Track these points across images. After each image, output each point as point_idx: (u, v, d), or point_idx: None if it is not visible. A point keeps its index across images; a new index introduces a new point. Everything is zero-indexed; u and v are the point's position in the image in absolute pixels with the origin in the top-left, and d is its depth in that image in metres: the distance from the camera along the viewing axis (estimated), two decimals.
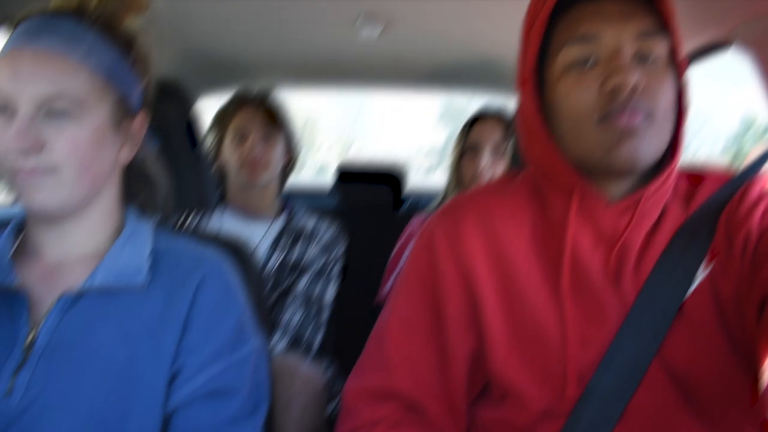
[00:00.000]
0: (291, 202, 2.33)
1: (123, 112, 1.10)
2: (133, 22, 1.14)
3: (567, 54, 1.05)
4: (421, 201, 3.11)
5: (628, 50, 1.03)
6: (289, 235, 2.20)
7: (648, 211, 1.09)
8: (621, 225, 1.08)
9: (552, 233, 1.12)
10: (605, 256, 1.08)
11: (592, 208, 1.09)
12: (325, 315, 2.16)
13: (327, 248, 2.23)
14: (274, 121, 2.22)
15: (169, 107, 1.42)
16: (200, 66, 2.51)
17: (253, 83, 2.61)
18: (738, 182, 1.07)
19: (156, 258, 1.13)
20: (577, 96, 1.04)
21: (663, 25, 1.05)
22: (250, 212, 2.22)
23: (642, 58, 1.03)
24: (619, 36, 1.03)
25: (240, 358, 1.11)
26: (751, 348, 0.96)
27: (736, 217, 1.05)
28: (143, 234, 1.16)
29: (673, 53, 1.06)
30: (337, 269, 2.24)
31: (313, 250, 2.20)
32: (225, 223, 2.19)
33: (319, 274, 2.17)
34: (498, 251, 1.12)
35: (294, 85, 2.90)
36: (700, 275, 1.04)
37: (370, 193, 2.99)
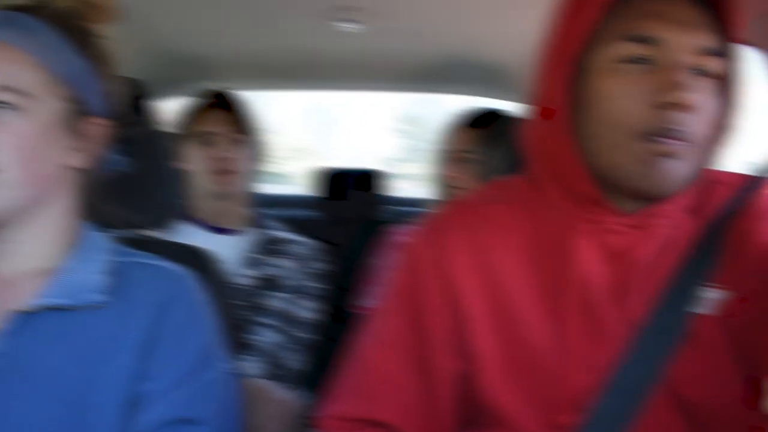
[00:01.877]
0: (261, 212, 2.31)
1: (76, 113, 1.09)
2: (100, 25, 1.13)
3: (620, 49, 1.00)
4: (400, 210, 3.10)
5: (689, 63, 0.99)
6: (262, 249, 2.18)
7: (660, 227, 1.08)
8: (630, 240, 1.07)
9: (551, 245, 1.10)
10: (610, 272, 1.07)
11: (601, 221, 1.07)
12: (306, 336, 2.14)
13: (303, 263, 2.21)
14: (243, 124, 2.19)
15: (129, 109, 1.40)
16: (161, 65, 2.49)
17: (219, 83, 2.59)
18: (750, 190, 1.07)
19: (114, 274, 1.11)
20: (622, 100, 0.99)
21: (726, 41, 1.01)
22: (217, 224, 2.20)
23: (698, 74, 0.99)
24: (684, 46, 0.98)
25: (206, 383, 1.10)
26: (764, 375, 0.96)
27: (745, 232, 1.05)
28: (100, 248, 1.14)
29: (729, 72, 1.02)
30: (316, 286, 2.23)
31: (288, 265, 2.18)
32: (190, 236, 2.15)
33: (297, 291, 2.15)
34: (488, 266, 1.10)
35: (264, 85, 2.89)
36: (711, 295, 1.04)
37: (350, 201, 2.98)
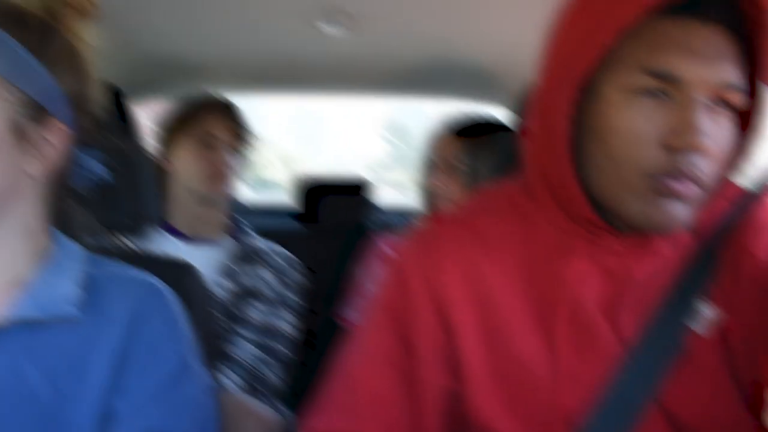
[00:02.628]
0: (239, 221, 2.30)
1: (30, 118, 1.04)
2: (76, 25, 1.11)
3: (635, 79, 0.96)
4: (387, 219, 3.11)
5: (708, 99, 0.95)
6: (240, 259, 2.17)
7: (660, 246, 1.07)
8: (626, 258, 1.06)
9: (545, 261, 1.09)
10: (604, 289, 1.06)
11: (597, 239, 1.06)
12: (286, 349, 2.13)
13: (281, 273, 2.20)
14: (243, 133, 2.22)
15: (105, 113, 1.40)
16: (140, 68, 2.48)
17: (202, 86, 2.59)
18: (747, 204, 1.07)
19: (87, 286, 1.10)
20: (632, 137, 0.96)
21: (753, 75, 0.98)
22: (193, 233, 2.19)
23: (717, 105, 0.96)
24: (704, 82, 0.94)
25: (183, 398, 1.09)
26: (762, 396, 0.96)
27: (741, 247, 1.05)
28: (73, 258, 1.12)
29: (752, 106, 1.00)
30: (295, 297, 2.22)
31: (266, 275, 2.17)
32: (164, 245, 2.15)
33: (276, 302, 2.14)
34: (479, 281, 1.09)
35: (248, 89, 2.89)
36: (706, 313, 1.03)
37: (334, 210, 2.97)
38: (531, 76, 1.10)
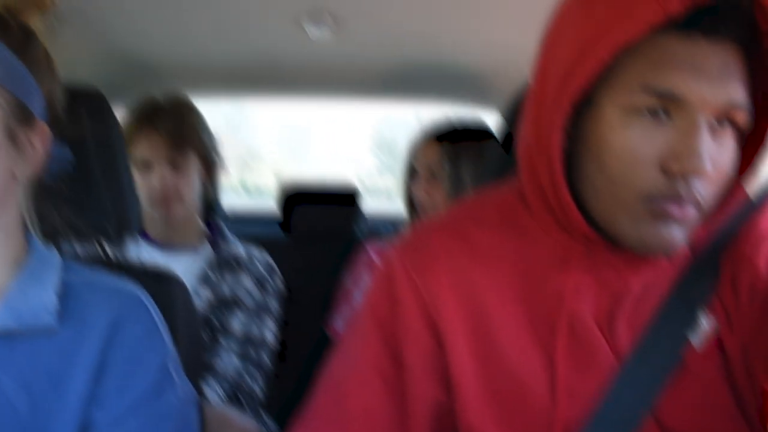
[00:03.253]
0: (217, 226, 2.29)
1: (20, 121, 1.05)
2: (35, 22, 1.10)
3: (634, 98, 0.94)
4: (375, 226, 3.11)
5: (711, 119, 0.93)
6: (219, 266, 2.15)
7: (657, 258, 1.07)
8: (623, 271, 1.06)
9: (540, 273, 1.08)
10: (600, 302, 1.06)
11: (594, 253, 1.06)
12: (267, 358, 2.12)
13: (262, 279, 2.19)
14: (183, 142, 2.09)
15: (83, 116, 1.39)
16: (122, 70, 2.48)
17: (182, 89, 2.59)
18: (746, 213, 1.06)
19: (65, 294, 1.09)
20: (629, 157, 0.94)
21: (761, 90, 0.97)
22: (169, 241, 2.17)
23: (720, 125, 0.95)
24: (708, 102, 0.92)
25: (163, 409, 1.08)
26: (761, 409, 0.96)
27: (741, 257, 1.04)
28: (50, 266, 1.11)
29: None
30: (276, 304, 2.21)
31: (247, 282, 2.15)
32: (141, 254, 2.13)
33: (257, 310, 2.13)
34: (471, 292, 1.08)
35: (230, 93, 2.88)
36: (704, 324, 1.03)
37: (320, 218, 2.97)
38: (522, 80, 1.10)
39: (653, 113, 0.94)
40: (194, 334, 1.36)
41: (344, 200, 2.96)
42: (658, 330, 1.03)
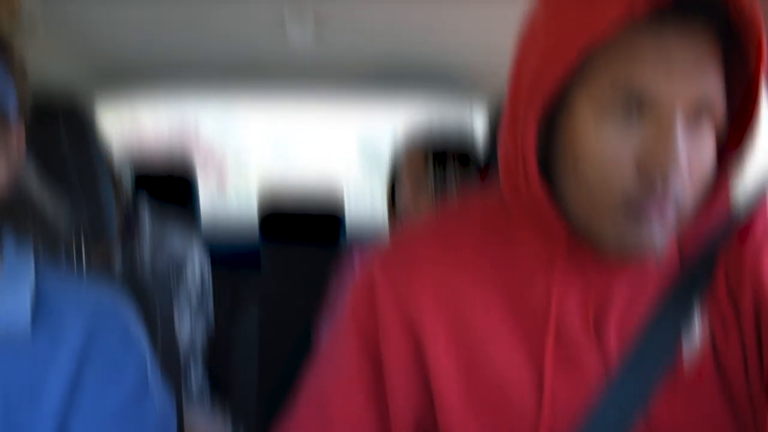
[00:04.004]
0: (194, 235, 2.26)
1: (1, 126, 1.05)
2: (6, 25, 1.10)
3: (605, 98, 0.93)
4: (361, 231, 3.10)
5: (687, 111, 0.92)
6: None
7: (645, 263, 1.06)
8: (610, 274, 1.05)
9: (524, 278, 1.07)
10: (587, 307, 1.05)
11: (578, 257, 1.04)
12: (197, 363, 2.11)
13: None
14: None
15: (60, 119, 1.39)
16: (101, 73, 2.47)
17: (161, 91, 2.59)
18: (742, 214, 1.05)
19: (39, 301, 1.08)
20: (603, 158, 0.93)
21: (744, 77, 0.95)
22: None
23: (695, 120, 0.93)
24: (684, 97, 0.91)
25: (141, 420, 1.08)
26: (760, 422, 0.96)
27: (738, 261, 1.03)
28: (24, 272, 1.11)
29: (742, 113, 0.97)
30: (183, 301, 2.16)
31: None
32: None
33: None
34: (453, 298, 1.08)
35: (208, 96, 2.88)
36: (697, 331, 1.02)
37: (302, 223, 2.97)
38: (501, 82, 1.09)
39: (626, 112, 0.92)
40: (171, 339, 1.35)
41: (325, 222, 2.95)
42: (647, 335, 1.02)
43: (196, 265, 2.20)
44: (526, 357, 1.04)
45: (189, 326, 2.09)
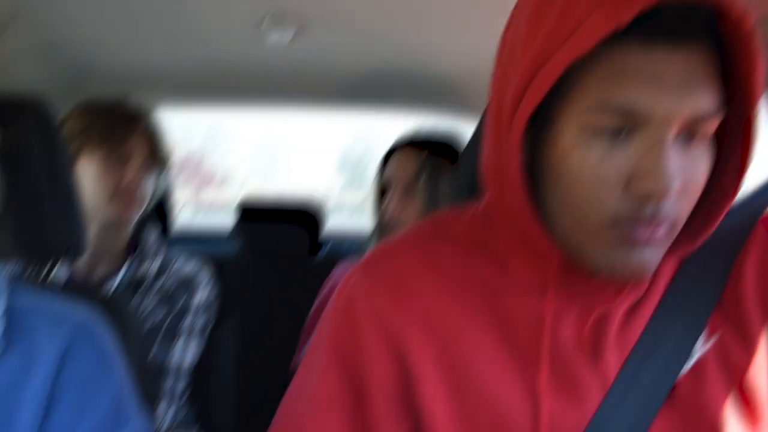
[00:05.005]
0: (165, 245, 2.26)
1: None
2: None
3: (593, 117, 0.90)
4: (343, 246, 3.11)
5: (679, 131, 0.90)
6: (125, 289, 2.11)
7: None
8: (604, 292, 1.04)
9: (515, 298, 1.06)
10: (582, 327, 1.04)
11: (570, 277, 1.03)
12: (182, 386, 2.10)
13: (171, 296, 2.15)
14: (158, 147, 2.13)
15: (27, 128, 1.38)
16: (71, 79, 2.46)
17: (133, 98, 2.58)
18: (747, 218, 1.05)
19: (12, 319, 1.08)
20: (589, 180, 0.91)
21: (738, 93, 0.93)
22: (87, 271, 2.12)
23: (687, 137, 0.91)
24: (674, 115, 0.88)
25: None
26: None
27: (749, 269, 1.03)
28: None
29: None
30: (188, 323, 2.16)
31: (150, 303, 2.12)
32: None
33: (163, 333, 2.09)
34: (440, 317, 1.05)
35: (184, 102, 2.87)
36: (701, 346, 1.02)
37: (281, 236, 2.96)
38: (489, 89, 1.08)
39: (614, 130, 0.90)
40: (144, 358, 1.35)
41: (303, 217, 2.96)
42: (646, 355, 1.02)
43: (205, 291, 2.20)
44: (519, 382, 1.03)
45: (182, 348, 2.08)
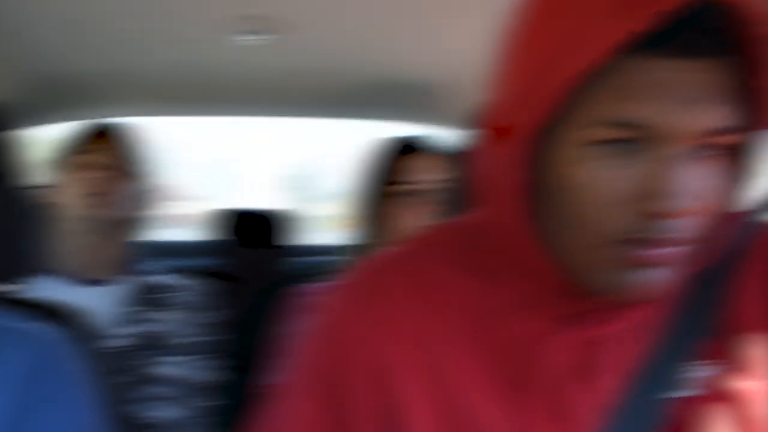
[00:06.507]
0: (140, 256, 2.27)
1: None
2: None
3: (598, 132, 0.87)
4: (312, 261, 3.10)
5: (689, 147, 0.87)
6: (140, 301, 2.14)
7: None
8: (602, 316, 1.02)
9: (506, 319, 1.04)
10: (576, 352, 1.02)
11: (564, 297, 1.01)
12: (212, 404, 2.10)
13: (194, 312, 2.18)
14: (126, 159, 2.17)
15: None
16: (37, 86, 2.45)
17: (101, 106, 2.58)
18: (748, 234, 1.05)
19: None
20: (593, 198, 0.89)
21: (750, 107, 0.91)
22: (87, 274, 2.15)
23: (702, 153, 0.88)
24: (684, 131, 0.86)
25: None
26: None
27: (750, 289, 1.03)
28: None
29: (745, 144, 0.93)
30: (214, 339, 2.19)
31: (174, 317, 2.15)
32: (49, 289, 2.04)
33: (191, 349, 2.12)
34: (428, 341, 1.04)
35: (153, 109, 2.86)
36: (700, 371, 1.01)
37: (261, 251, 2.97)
38: (479, 96, 1.06)
39: (622, 147, 0.88)
40: (109, 380, 1.34)
41: (280, 227, 2.97)
42: (642, 380, 1.01)
43: (203, 317, 2.22)
44: (510, 409, 1.01)
45: (178, 365, 2.10)
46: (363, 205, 2.31)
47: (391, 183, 2.26)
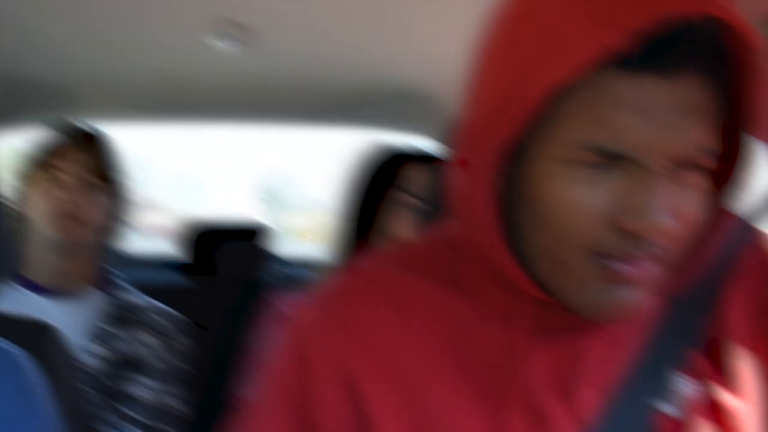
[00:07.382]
0: (112, 272, 2.25)
1: None
2: None
3: (575, 150, 0.88)
4: (287, 272, 3.12)
5: (669, 168, 0.87)
6: (113, 319, 2.12)
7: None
8: (582, 331, 1.02)
9: (483, 335, 1.04)
10: (555, 367, 1.02)
11: (543, 314, 1.01)
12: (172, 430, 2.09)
13: (167, 337, 2.17)
14: (103, 168, 2.14)
15: None
16: (6, 92, 2.44)
17: (70, 111, 2.57)
18: (733, 249, 1.05)
19: None
20: (570, 212, 0.89)
21: (735, 126, 0.92)
22: (56, 287, 2.13)
23: (680, 171, 0.88)
24: (663, 150, 0.86)
25: None
26: None
27: (736, 304, 1.03)
28: None
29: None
30: (185, 366, 2.18)
31: (149, 340, 2.13)
32: (19, 303, 2.03)
33: (165, 373, 2.11)
34: (400, 357, 1.04)
35: (124, 118, 2.86)
36: (684, 387, 1.01)
37: (234, 260, 2.96)
38: (458, 105, 1.06)
39: (598, 164, 0.88)
40: (75, 396, 1.33)
41: (252, 238, 2.96)
42: (625, 395, 1.01)
43: (176, 341, 2.21)
44: (486, 421, 1.01)
45: (151, 389, 2.09)
46: (346, 215, 2.31)
47: (380, 192, 2.25)
